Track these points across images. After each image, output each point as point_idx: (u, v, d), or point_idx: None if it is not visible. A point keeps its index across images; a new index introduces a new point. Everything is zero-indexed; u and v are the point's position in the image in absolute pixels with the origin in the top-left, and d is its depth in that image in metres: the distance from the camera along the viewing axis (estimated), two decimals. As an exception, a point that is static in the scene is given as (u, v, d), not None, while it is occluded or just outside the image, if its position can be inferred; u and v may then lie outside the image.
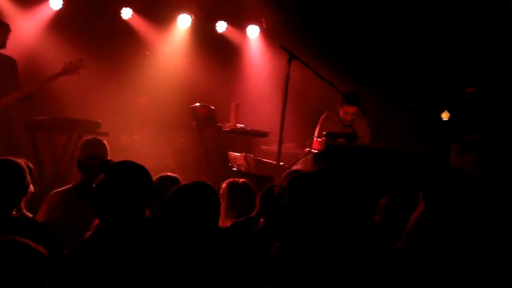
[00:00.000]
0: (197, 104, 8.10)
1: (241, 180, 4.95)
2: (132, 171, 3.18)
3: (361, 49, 9.70)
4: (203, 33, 10.05)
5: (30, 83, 7.22)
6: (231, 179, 4.97)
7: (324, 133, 6.72)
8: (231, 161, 7.66)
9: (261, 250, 3.30)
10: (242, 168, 7.31)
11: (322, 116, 7.47)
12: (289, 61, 6.73)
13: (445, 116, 9.70)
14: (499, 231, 4.10)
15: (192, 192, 3.27)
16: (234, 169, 7.45)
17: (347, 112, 7.27)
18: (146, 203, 3.17)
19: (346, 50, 9.74)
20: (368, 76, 9.53)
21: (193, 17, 9.85)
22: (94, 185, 3.26)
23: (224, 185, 4.93)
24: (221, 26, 10.06)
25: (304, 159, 6.79)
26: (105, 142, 5.16)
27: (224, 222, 4.56)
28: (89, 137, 5.29)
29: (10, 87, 7.03)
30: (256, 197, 4.56)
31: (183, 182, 4.54)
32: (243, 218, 4.46)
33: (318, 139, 6.71)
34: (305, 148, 7.17)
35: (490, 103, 8.92)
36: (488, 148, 8.06)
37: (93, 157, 4.89)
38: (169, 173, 4.78)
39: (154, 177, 4.71)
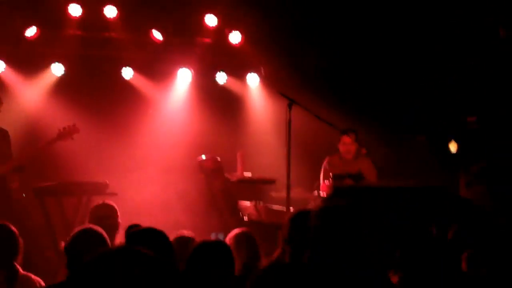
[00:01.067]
0: (203, 156, 8.13)
1: (238, 231, 4.92)
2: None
3: (361, 86, 9.74)
4: (204, 86, 10.10)
5: (21, 153, 7.34)
6: (230, 233, 4.99)
7: (331, 174, 6.75)
8: (241, 210, 7.65)
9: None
10: (253, 217, 7.30)
11: (324, 162, 7.50)
12: (289, 106, 6.81)
13: (453, 147, 9.66)
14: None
15: (211, 251, 3.64)
16: (244, 218, 7.44)
17: (345, 142, 7.33)
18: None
19: (346, 88, 9.78)
20: (371, 112, 9.55)
21: (193, 71, 9.92)
22: None
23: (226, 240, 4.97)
24: (221, 78, 10.13)
25: (313, 203, 6.78)
26: (113, 204, 5.38)
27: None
28: (99, 203, 5.55)
29: (3, 158, 7.12)
30: (257, 244, 4.66)
31: (197, 239, 4.63)
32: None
33: (325, 182, 6.74)
34: (313, 191, 7.18)
35: (493, 131, 8.90)
36: (495, 177, 8.02)
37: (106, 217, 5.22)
38: (185, 232, 4.83)
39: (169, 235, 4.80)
